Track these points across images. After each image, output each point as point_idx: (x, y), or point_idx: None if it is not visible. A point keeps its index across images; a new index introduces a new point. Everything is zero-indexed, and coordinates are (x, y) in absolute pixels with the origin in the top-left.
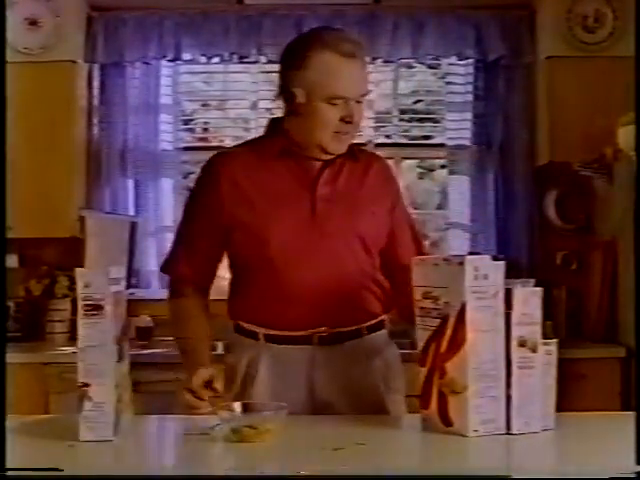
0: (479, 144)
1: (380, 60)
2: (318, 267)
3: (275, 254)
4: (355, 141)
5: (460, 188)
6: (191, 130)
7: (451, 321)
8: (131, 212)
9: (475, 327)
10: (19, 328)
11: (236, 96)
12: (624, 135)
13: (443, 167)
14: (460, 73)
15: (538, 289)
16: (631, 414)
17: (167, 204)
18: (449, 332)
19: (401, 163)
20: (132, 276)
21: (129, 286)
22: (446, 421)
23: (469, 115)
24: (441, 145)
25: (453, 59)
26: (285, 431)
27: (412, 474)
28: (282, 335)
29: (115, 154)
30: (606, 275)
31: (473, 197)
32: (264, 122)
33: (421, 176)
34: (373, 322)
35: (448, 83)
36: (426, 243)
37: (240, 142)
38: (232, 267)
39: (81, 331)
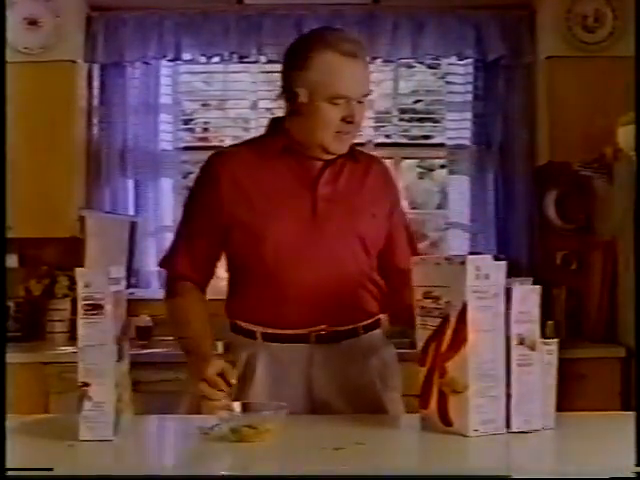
0: (479, 144)
1: (380, 60)
2: (318, 266)
3: (275, 253)
4: (355, 141)
5: (460, 188)
6: (191, 130)
7: (452, 321)
8: (131, 212)
9: (476, 327)
10: (19, 328)
11: (236, 96)
12: (624, 135)
13: (443, 167)
14: (460, 73)
15: (537, 287)
16: (631, 414)
17: (167, 204)
18: (450, 332)
19: (401, 163)
20: (132, 276)
21: (129, 286)
22: (446, 421)
23: (469, 115)
24: (441, 145)
25: (453, 59)
26: (285, 431)
27: (412, 474)
28: (280, 334)
29: (115, 154)
30: (606, 275)
31: (473, 197)
32: (264, 122)
33: (421, 176)
34: (370, 321)
35: (448, 83)
36: (424, 244)
37: (238, 142)
38: (230, 266)
39: (81, 331)
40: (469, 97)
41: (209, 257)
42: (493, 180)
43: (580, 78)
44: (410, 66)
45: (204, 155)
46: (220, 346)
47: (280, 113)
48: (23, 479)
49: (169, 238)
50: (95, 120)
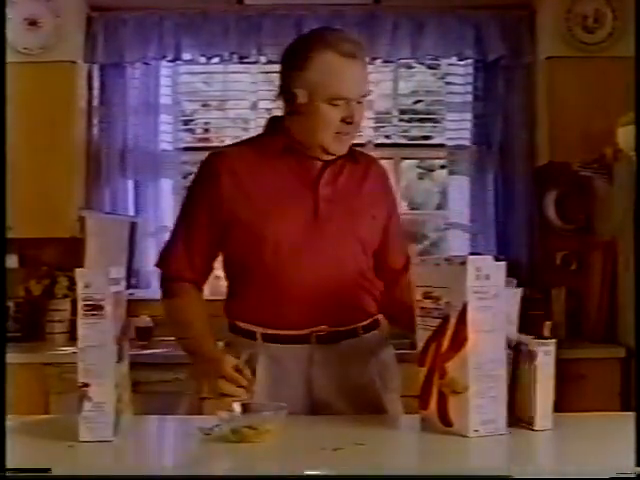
0: (479, 144)
1: (380, 60)
2: (318, 267)
3: (275, 253)
4: (354, 142)
5: (460, 188)
6: (191, 130)
7: (452, 321)
8: (131, 212)
9: (476, 327)
10: (19, 328)
11: (236, 96)
12: (624, 135)
13: (443, 167)
14: (460, 73)
15: (518, 290)
16: (631, 414)
17: (167, 204)
18: (450, 332)
19: (401, 163)
20: (132, 276)
21: (129, 286)
22: (446, 421)
23: (469, 115)
24: (441, 145)
25: (453, 59)
26: (285, 431)
27: (412, 474)
28: (280, 334)
29: (115, 154)
30: (606, 275)
31: (473, 197)
32: (264, 122)
33: (421, 176)
34: (369, 321)
35: (448, 83)
36: (424, 245)
37: (236, 141)
38: (229, 267)
39: (81, 331)
40: (469, 97)
41: (207, 256)
42: (493, 180)
43: (580, 78)
44: (410, 66)
45: (204, 156)
46: (220, 346)
47: (280, 113)
48: (23, 479)
49: None
50: (95, 120)
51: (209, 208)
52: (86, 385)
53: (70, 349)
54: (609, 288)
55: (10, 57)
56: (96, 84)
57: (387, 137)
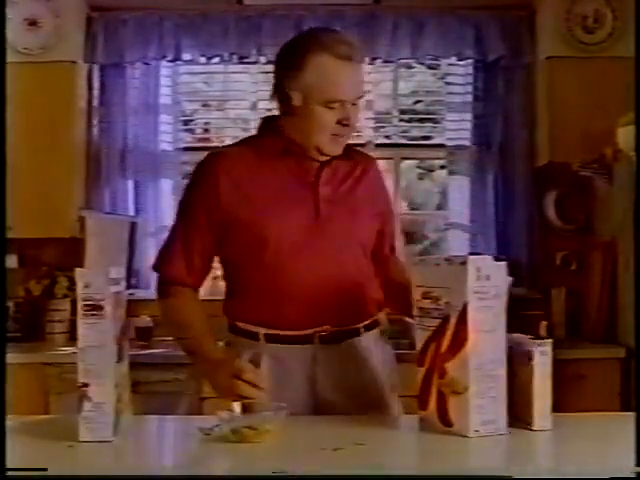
0: (479, 144)
1: (380, 60)
2: (320, 267)
3: (277, 253)
4: (353, 141)
5: (460, 188)
6: (191, 130)
7: (452, 321)
8: (131, 213)
9: (477, 327)
10: (19, 328)
11: (236, 96)
12: (624, 135)
13: (443, 167)
14: (460, 73)
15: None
16: (631, 414)
17: (167, 205)
18: (450, 332)
19: (401, 163)
20: (132, 276)
21: (129, 286)
22: (446, 421)
23: (469, 115)
24: (441, 145)
25: (453, 59)
26: (285, 431)
27: (412, 474)
28: (283, 335)
29: (115, 154)
30: (606, 275)
31: (473, 197)
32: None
33: (421, 176)
34: (370, 321)
35: (448, 83)
36: (424, 245)
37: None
38: (228, 267)
39: (81, 331)
40: (469, 97)
41: (205, 258)
42: (493, 180)
43: (580, 78)
44: (410, 66)
45: (204, 156)
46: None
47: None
48: (23, 479)
49: None
50: (95, 120)
51: (207, 209)
52: (86, 385)
53: (70, 349)
54: (609, 288)
55: (10, 57)
56: (96, 84)
57: (387, 137)
